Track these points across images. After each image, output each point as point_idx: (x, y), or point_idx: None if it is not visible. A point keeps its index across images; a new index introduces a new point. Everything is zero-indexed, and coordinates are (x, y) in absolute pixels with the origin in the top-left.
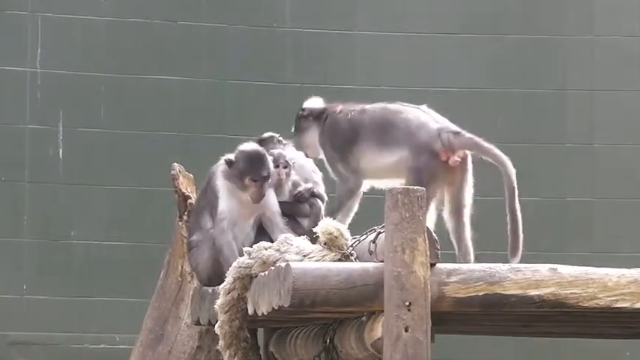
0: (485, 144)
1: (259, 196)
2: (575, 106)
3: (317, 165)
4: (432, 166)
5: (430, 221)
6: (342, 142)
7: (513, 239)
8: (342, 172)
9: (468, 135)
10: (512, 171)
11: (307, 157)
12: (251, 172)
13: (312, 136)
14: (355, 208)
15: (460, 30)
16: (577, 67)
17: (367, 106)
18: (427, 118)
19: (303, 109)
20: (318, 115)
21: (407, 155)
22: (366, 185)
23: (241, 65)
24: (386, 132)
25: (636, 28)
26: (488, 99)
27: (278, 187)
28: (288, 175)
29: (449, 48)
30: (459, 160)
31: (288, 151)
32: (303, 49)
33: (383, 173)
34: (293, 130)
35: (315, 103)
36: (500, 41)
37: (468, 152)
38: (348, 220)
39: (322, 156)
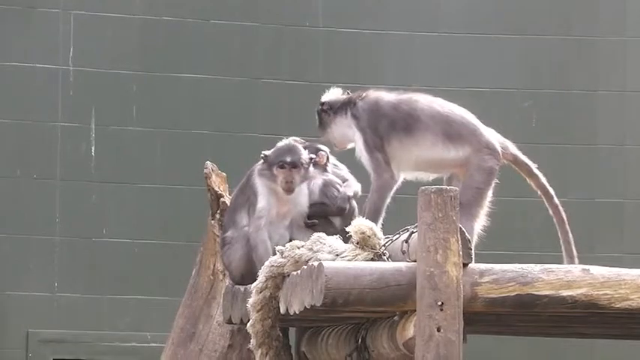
0: (522, 156)
1: (288, 185)
2: (606, 106)
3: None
4: (497, 169)
5: (481, 223)
6: (390, 128)
7: (567, 246)
8: (380, 163)
9: (512, 146)
10: (544, 181)
11: (335, 149)
12: (278, 159)
13: (339, 127)
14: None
15: (492, 30)
16: (609, 67)
17: (415, 96)
18: (478, 120)
19: (323, 104)
20: (342, 106)
21: (474, 155)
22: (400, 180)
23: (273, 64)
24: (452, 127)
25: None
26: (519, 99)
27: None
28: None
29: (480, 48)
30: None
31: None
32: (334, 49)
33: (432, 165)
34: (318, 125)
35: (333, 94)
36: (532, 41)
37: (505, 162)
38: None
39: (352, 145)
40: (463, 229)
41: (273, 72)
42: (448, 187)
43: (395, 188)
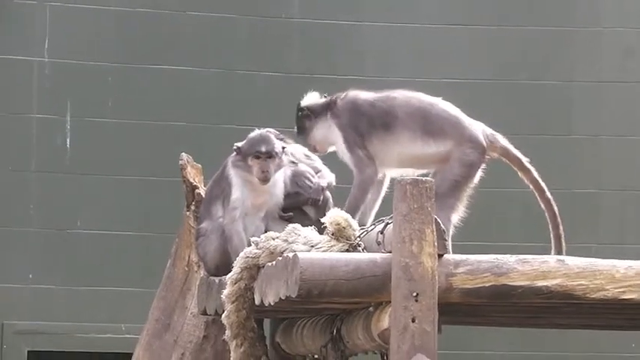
0: (514, 150)
1: (264, 175)
2: (582, 97)
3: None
4: (480, 163)
5: (458, 215)
6: (370, 126)
7: (556, 241)
8: (362, 159)
9: (502, 139)
10: (536, 175)
11: (316, 154)
12: (252, 149)
13: (320, 130)
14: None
15: (468, 21)
16: (584, 58)
17: (394, 93)
18: (462, 114)
19: (302, 109)
20: (322, 109)
21: (456, 148)
22: (387, 177)
23: (249, 56)
24: (431, 122)
25: None
26: (496, 90)
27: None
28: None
29: (457, 39)
30: (486, 161)
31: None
32: (311, 40)
33: (414, 162)
34: (296, 130)
35: (312, 99)
36: (508, 32)
37: (495, 155)
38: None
39: (333, 148)
40: (438, 220)
41: (250, 63)
42: (424, 178)
43: (376, 182)
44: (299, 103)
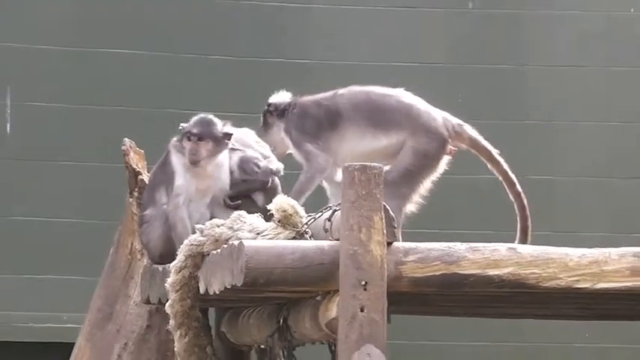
0: (483, 141)
1: (191, 157)
2: (535, 82)
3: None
4: (438, 153)
5: (411, 205)
6: (315, 127)
7: (523, 228)
8: (312, 151)
9: (470, 130)
10: (506, 167)
11: (275, 153)
12: (185, 130)
13: (279, 131)
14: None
15: (420, 4)
16: (538, 42)
17: (342, 90)
18: (424, 103)
19: (269, 105)
20: (284, 110)
21: (409, 138)
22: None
23: (196, 39)
24: (379, 114)
25: (597, 3)
26: (448, 75)
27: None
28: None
29: (408, 22)
30: (453, 152)
31: (229, 128)
32: (259, 23)
33: (369, 157)
34: (261, 126)
35: (281, 97)
36: (460, 15)
37: (463, 146)
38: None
39: (290, 150)
40: (387, 207)
41: (196, 47)
42: (372, 164)
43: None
44: (269, 99)
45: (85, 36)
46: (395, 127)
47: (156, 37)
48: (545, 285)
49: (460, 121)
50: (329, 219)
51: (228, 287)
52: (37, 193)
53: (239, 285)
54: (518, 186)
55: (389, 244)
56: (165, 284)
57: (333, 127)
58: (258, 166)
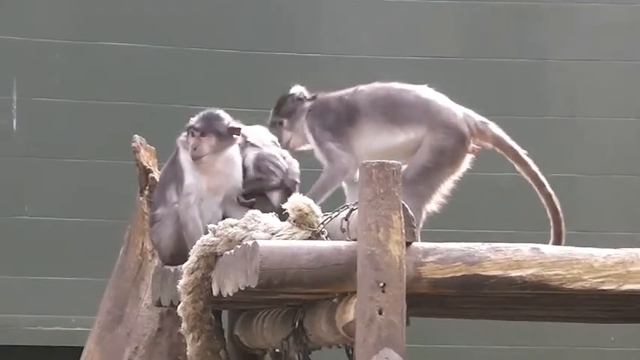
0: (509, 141)
1: (193, 152)
2: (554, 76)
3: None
4: (457, 150)
5: (431, 205)
6: (335, 122)
7: (557, 233)
8: (334, 150)
9: (495, 128)
10: (535, 168)
11: (284, 147)
12: (189, 125)
13: (298, 126)
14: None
15: None
16: (556, 35)
17: (362, 86)
18: (445, 99)
19: (293, 94)
20: (304, 106)
21: (427, 134)
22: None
23: (205, 32)
24: (396, 110)
25: None
26: (463, 69)
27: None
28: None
29: (422, 15)
30: (477, 150)
31: (236, 123)
32: (265, 16)
33: (386, 154)
34: (276, 118)
35: (301, 90)
36: (475, 7)
37: (488, 145)
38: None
39: (305, 147)
40: (406, 205)
41: (205, 40)
42: (390, 162)
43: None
44: (291, 90)
45: (92, 28)
46: (412, 123)
47: (164, 31)
48: (570, 287)
49: (484, 119)
50: (346, 218)
51: (242, 289)
52: (45, 192)
53: (253, 286)
54: (548, 187)
55: (408, 244)
56: (177, 286)
57: (351, 123)
58: (277, 165)
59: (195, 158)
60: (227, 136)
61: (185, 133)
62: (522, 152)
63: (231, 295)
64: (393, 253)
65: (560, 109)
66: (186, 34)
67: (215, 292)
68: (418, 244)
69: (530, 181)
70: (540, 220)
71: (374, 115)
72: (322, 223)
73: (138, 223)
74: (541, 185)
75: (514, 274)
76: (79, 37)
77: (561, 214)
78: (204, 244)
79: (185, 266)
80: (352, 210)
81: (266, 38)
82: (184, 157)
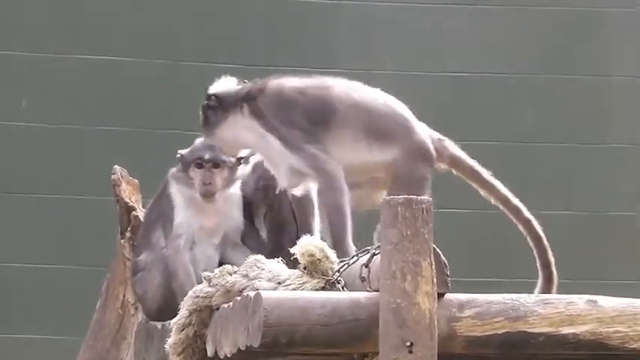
0: (469, 160)
1: (206, 188)
2: (619, 96)
3: None
4: (423, 175)
5: None
6: (306, 120)
7: (545, 270)
8: (317, 155)
9: (452, 146)
10: (504, 191)
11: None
12: (194, 156)
13: (232, 128)
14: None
15: (472, 1)
16: (619, 47)
17: (329, 80)
18: (409, 112)
19: (210, 97)
20: (236, 101)
21: (403, 158)
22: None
23: (199, 43)
24: (374, 120)
25: None
26: (508, 87)
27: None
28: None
29: (458, 23)
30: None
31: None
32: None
33: (355, 171)
34: (202, 124)
35: (225, 85)
36: (523, 14)
37: (444, 167)
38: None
39: (246, 152)
40: (438, 250)
41: (200, 53)
42: (419, 198)
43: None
44: (207, 90)
45: (66, 40)
46: (390, 141)
47: (152, 42)
48: (633, 346)
49: (440, 135)
50: (366, 265)
51: (243, 349)
52: (7, 233)
53: (256, 346)
54: (525, 212)
55: (440, 295)
56: (165, 345)
57: (325, 126)
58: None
59: (209, 195)
60: (235, 168)
61: (178, 167)
62: (486, 173)
63: (229, 356)
64: (422, 306)
65: (625, 136)
66: (176, 45)
67: (210, 353)
68: (452, 296)
69: (501, 206)
70: (600, 269)
71: (354, 122)
72: (338, 270)
73: (118, 271)
74: (516, 210)
75: (566, 331)
76: (49, 49)
77: (546, 244)
78: (198, 296)
79: (174, 322)
80: (374, 255)
81: (269, 52)
82: (176, 191)
